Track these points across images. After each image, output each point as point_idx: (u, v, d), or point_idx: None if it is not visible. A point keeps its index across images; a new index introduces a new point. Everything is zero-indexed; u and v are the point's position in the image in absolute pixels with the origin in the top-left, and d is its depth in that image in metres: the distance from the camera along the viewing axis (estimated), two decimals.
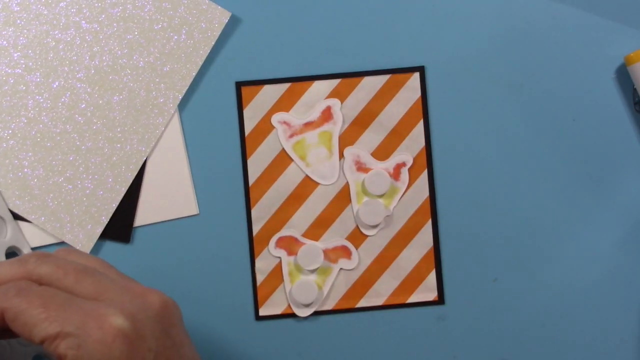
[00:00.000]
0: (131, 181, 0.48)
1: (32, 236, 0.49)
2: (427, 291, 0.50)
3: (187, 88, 0.48)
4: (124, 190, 0.48)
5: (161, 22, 0.48)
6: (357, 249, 0.50)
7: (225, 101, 0.49)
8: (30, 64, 0.48)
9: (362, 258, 0.50)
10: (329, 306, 0.50)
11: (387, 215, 0.49)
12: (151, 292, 0.35)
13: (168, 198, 0.49)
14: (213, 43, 0.48)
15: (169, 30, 0.48)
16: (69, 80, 0.48)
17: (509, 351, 0.50)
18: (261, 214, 0.49)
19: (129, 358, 0.33)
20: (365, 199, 0.49)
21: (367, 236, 0.50)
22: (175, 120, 0.49)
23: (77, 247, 0.48)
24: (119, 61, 0.48)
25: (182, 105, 0.49)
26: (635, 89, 0.48)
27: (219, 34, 0.48)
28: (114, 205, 0.48)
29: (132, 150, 0.48)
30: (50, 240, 0.49)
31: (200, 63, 0.48)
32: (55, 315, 0.33)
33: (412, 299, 0.50)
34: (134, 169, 0.48)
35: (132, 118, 0.48)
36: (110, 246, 0.49)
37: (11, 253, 0.48)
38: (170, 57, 0.48)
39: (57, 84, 0.48)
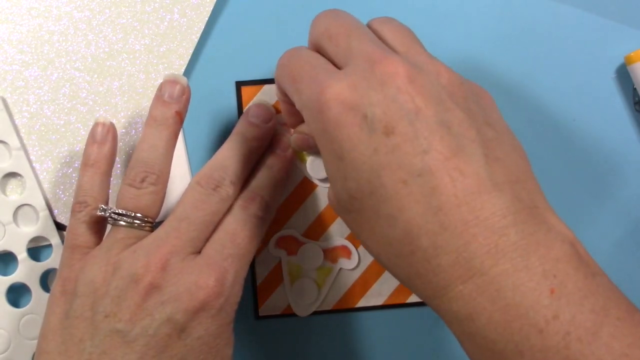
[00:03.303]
0: None
1: None
2: None
3: (185, 67, 0.47)
4: None
5: (153, 3, 0.47)
6: (357, 249, 0.48)
7: (225, 101, 0.47)
8: (27, 58, 0.46)
9: (362, 258, 0.48)
10: (328, 306, 0.48)
11: None
12: (383, 60, 0.34)
13: (168, 198, 0.47)
14: (207, 18, 0.47)
15: (161, 11, 0.47)
16: (67, 70, 0.46)
17: None
18: None
19: (341, 123, 0.33)
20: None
21: None
22: None
23: None
24: (115, 46, 0.47)
25: None
26: (635, 89, 0.47)
27: (211, 8, 0.47)
28: None
29: (138, 135, 0.47)
30: None
31: (196, 40, 0.47)
32: (297, 86, 0.35)
33: (412, 299, 0.48)
34: None
35: (134, 102, 0.47)
36: None
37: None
38: (165, 37, 0.47)
39: (55, 75, 0.46)
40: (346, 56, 0.35)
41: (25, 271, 0.46)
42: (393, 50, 0.36)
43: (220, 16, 0.47)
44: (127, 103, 0.47)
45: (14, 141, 0.45)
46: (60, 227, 0.46)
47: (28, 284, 0.46)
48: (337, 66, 0.36)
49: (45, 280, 0.46)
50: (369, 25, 0.38)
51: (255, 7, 0.47)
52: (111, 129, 0.43)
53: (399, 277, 0.34)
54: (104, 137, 0.42)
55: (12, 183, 0.46)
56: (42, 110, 0.46)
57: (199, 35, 0.47)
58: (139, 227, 0.40)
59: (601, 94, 0.47)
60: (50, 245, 0.46)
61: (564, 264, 0.31)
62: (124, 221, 0.40)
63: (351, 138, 0.33)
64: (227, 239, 0.40)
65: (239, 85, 0.47)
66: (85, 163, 0.42)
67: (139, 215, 0.40)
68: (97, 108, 0.46)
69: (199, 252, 0.39)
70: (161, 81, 0.42)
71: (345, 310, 0.48)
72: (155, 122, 0.41)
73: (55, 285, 0.40)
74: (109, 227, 0.41)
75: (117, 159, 0.46)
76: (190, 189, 0.41)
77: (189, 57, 0.47)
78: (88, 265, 0.39)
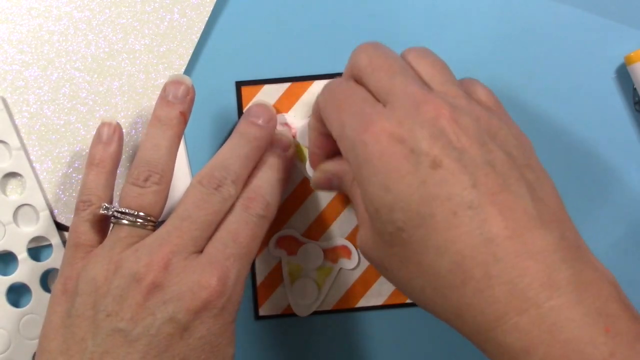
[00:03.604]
0: None
1: None
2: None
3: (185, 67, 0.47)
4: None
5: (153, 3, 0.46)
6: (357, 249, 0.47)
7: (225, 101, 0.47)
8: (27, 58, 0.46)
9: (362, 258, 0.47)
10: (328, 306, 0.48)
11: None
12: (428, 101, 0.34)
13: (168, 198, 0.46)
14: (207, 18, 0.46)
15: (161, 11, 0.47)
16: (67, 70, 0.46)
17: None
18: None
19: (388, 156, 0.34)
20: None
21: None
22: None
23: None
24: (115, 46, 0.47)
25: None
26: (635, 89, 0.47)
27: (211, 9, 0.46)
28: None
29: (137, 135, 0.47)
30: None
31: (196, 40, 0.47)
32: (341, 117, 0.37)
33: None
34: None
35: (134, 102, 0.47)
36: None
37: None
38: (165, 37, 0.47)
39: (55, 75, 0.46)
40: (388, 92, 0.36)
41: (25, 271, 0.45)
42: (430, 88, 0.37)
43: (220, 16, 0.47)
44: (127, 103, 0.46)
45: (14, 141, 0.45)
46: (60, 227, 0.46)
47: (28, 284, 0.46)
48: (377, 100, 0.36)
49: (46, 280, 0.46)
50: (404, 56, 0.39)
51: (255, 7, 0.47)
52: (117, 129, 0.43)
53: (445, 311, 0.34)
54: (110, 137, 0.43)
55: (12, 183, 0.46)
56: (42, 110, 0.46)
57: (199, 35, 0.46)
58: (142, 226, 0.40)
59: (601, 94, 0.47)
60: (50, 245, 0.46)
61: (614, 304, 0.31)
62: (127, 220, 0.40)
63: (399, 170, 0.33)
64: (229, 238, 0.40)
65: (239, 85, 0.47)
66: (91, 162, 0.42)
67: (141, 214, 0.40)
68: (97, 108, 0.46)
69: (201, 251, 0.39)
70: (164, 81, 0.42)
71: (345, 310, 0.48)
72: (159, 122, 0.41)
73: (56, 284, 0.40)
74: (112, 226, 0.41)
75: None
76: (191, 188, 0.41)
77: (189, 57, 0.46)
78: (90, 264, 0.39)
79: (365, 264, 0.47)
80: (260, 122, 0.43)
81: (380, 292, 0.47)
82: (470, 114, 0.35)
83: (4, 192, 0.46)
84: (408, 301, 0.47)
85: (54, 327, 0.39)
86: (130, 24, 0.46)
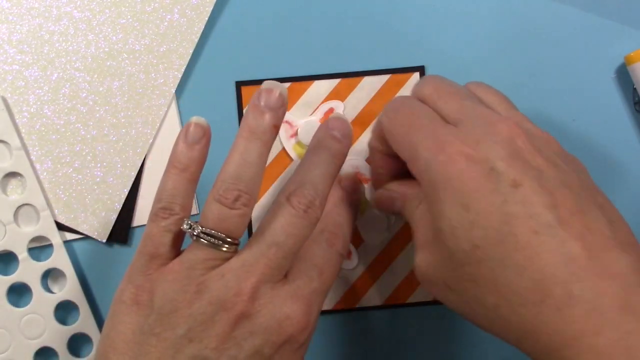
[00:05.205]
0: (139, 165, 0.47)
1: None
2: (427, 291, 0.47)
3: (185, 66, 0.47)
4: (133, 174, 0.47)
5: (153, 3, 0.47)
6: (357, 249, 0.47)
7: (225, 101, 0.47)
8: (27, 58, 0.46)
9: (362, 258, 0.47)
10: (328, 306, 0.48)
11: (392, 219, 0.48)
12: (502, 121, 0.36)
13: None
14: (207, 18, 0.47)
15: (161, 11, 0.47)
16: (67, 70, 0.46)
17: (510, 350, 0.47)
18: (261, 213, 0.47)
19: (467, 175, 0.34)
20: (367, 211, 0.47)
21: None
22: (175, 119, 0.47)
23: (93, 236, 0.47)
24: (115, 46, 0.47)
25: (182, 105, 0.47)
26: (635, 89, 0.47)
27: (211, 9, 0.47)
28: (125, 191, 0.47)
29: (138, 134, 0.47)
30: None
31: (196, 40, 0.47)
32: (411, 138, 0.37)
33: (412, 298, 0.48)
34: (142, 153, 0.47)
35: (134, 102, 0.47)
36: (109, 246, 0.47)
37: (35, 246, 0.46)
38: (165, 37, 0.47)
39: (55, 76, 0.46)
40: (459, 113, 0.36)
41: (26, 271, 0.46)
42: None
43: (220, 16, 0.47)
44: (127, 103, 0.46)
45: (14, 141, 0.45)
46: (60, 227, 0.46)
47: (29, 283, 0.46)
48: (446, 121, 0.37)
49: (46, 280, 0.46)
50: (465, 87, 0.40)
51: (255, 7, 0.47)
52: (207, 131, 0.39)
53: (516, 329, 0.34)
54: (198, 139, 0.39)
55: (13, 183, 0.46)
56: (43, 110, 0.46)
57: (199, 35, 0.47)
58: (225, 250, 0.37)
59: (601, 94, 0.47)
60: (51, 245, 0.46)
61: None
62: (209, 241, 0.36)
63: (479, 189, 0.34)
64: (315, 273, 0.38)
65: (239, 85, 0.47)
66: (173, 164, 0.38)
67: (228, 239, 0.36)
68: (97, 108, 0.46)
69: (284, 276, 0.38)
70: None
71: (345, 310, 0.48)
72: (251, 135, 0.37)
73: (125, 291, 0.37)
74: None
75: (118, 159, 0.46)
76: (279, 207, 0.38)
77: (189, 57, 0.47)
78: (168, 281, 0.36)
79: (365, 264, 0.47)
80: (340, 136, 0.41)
81: (380, 292, 0.47)
82: (540, 137, 0.36)
83: (5, 192, 0.46)
84: (408, 301, 0.47)
85: (124, 340, 0.36)
86: (130, 24, 0.46)
